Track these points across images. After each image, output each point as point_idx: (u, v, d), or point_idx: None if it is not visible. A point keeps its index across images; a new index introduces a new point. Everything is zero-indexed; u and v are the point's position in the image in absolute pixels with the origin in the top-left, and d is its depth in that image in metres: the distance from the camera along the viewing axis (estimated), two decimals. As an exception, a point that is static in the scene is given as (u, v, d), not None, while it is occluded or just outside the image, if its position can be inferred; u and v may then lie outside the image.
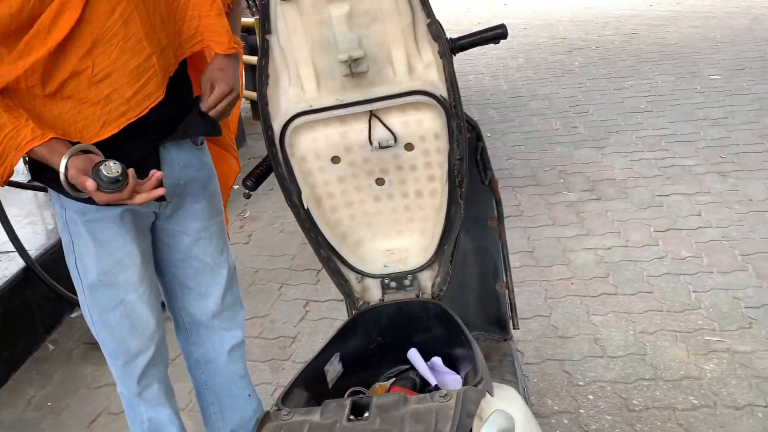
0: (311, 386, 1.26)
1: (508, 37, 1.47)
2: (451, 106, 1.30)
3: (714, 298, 2.43)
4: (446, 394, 1.00)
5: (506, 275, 1.82)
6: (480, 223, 1.76)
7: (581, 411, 1.98)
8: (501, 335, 1.87)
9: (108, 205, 1.26)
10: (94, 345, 2.60)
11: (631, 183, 3.48)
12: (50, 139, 1.22)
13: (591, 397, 2.04)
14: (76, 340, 2.65)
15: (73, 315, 2.80)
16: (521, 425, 0.98)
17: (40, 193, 3.39)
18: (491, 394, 1.10)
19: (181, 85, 1.42)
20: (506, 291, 1.84)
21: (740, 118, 4.16)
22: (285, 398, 1.14)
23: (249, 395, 1.78)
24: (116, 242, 1.43)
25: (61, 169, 1.21)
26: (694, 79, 5.10)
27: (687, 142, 3.90)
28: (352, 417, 1.00)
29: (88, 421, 2.18)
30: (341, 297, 2.78)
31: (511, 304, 1.85)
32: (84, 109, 1.27)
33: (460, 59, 5.45)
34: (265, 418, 1.02)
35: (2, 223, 2.54)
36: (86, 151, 1.25)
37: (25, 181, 3.39)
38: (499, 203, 1.76)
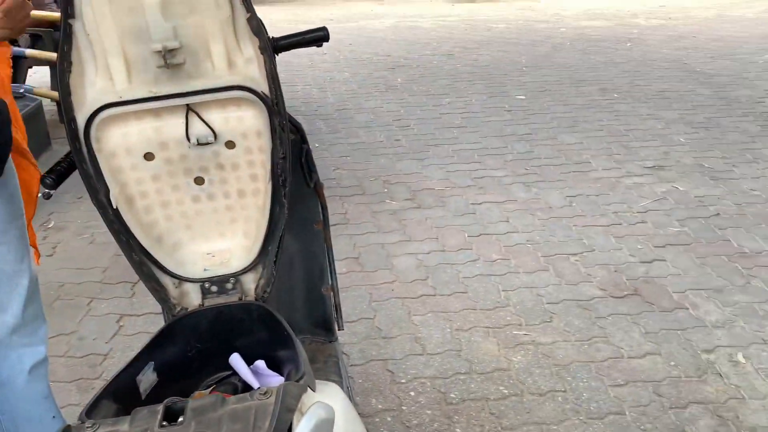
0: (121, 398, 1.16)
1: (329, 43, 1.50)
2: (273, 103, 1.29)
3: (520, 296, 2.64)
4: (266, 392, 0.97)
5: (332, 278, 1.84)
6: (306, 226, 1.76)
7: (403, 408, 2.05)
8: (326, 337, 1.88)
9: None
10: None
11: (447, 192, 3.69)
12: None
13: (412, 393, 2.11)
14: None
15: None
16: (342, 418, 0.99)
17: None
18: (313, 390, 1.10)
19: None
20: (332, 293, 1.86)
21: (542, 135, 4.59)
22: (90, 411, 1.05)
23: (53, 417, 1.62)
24: None
25: None
26: (503, 98, 5.55)
27: (497, 155, 4.23)
28: (165, 423, 0.94)
29: None
30: (160, 309, 2.64)
31: (336, 306, 1.87)
32: None
33: (288, 69, 5.48)
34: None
35: None
36: None
37: None
38: (324, 207, 1.77)
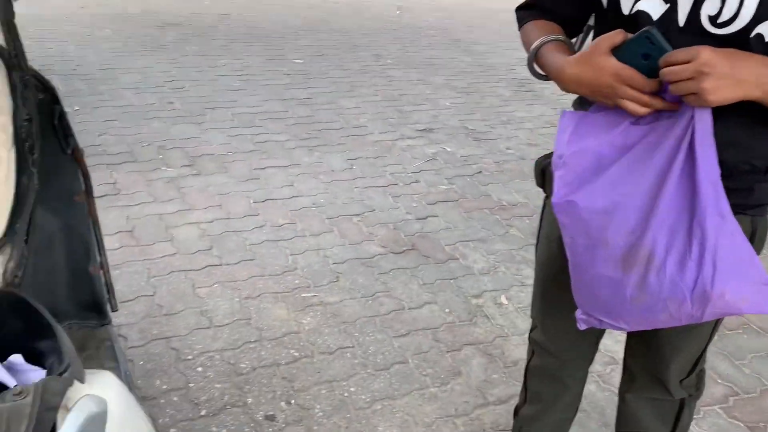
0: None
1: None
2: (11, 55, 1.11)
3: (308, 259, 2.66)
4: (21, 391, 0.84)
5: (100, 255, 1.67)
6: (65, 199, 1.57)
7: (191, 385, 1.95)
8: (98, 320, 1.72)
9: None
10: None
11: (229, 158, 3.56)
12: None
13: (200, 369, 2.02)
14: None
15: None
16: (118, 408, 0.90)
17: None
18: (81, 382, 0.98)
19: None
20: (101, 272, 1.69)
21: (321, 99, 4.62)
22: None
23: None
24: None
25: None
26: (281, 61, 5.48)
27: (278, 119, 4.17)
28: None
29: None
30: None
31: (107, 285, 1.70)
32: None
33: (38, 23, 4.83)
34: None
35: None
36: None
37: None
38: (87, 176, 1.59)
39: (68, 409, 0.87)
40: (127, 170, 3.30)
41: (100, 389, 0.91)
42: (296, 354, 2.12)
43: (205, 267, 2.55)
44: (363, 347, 2.17)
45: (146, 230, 2.78)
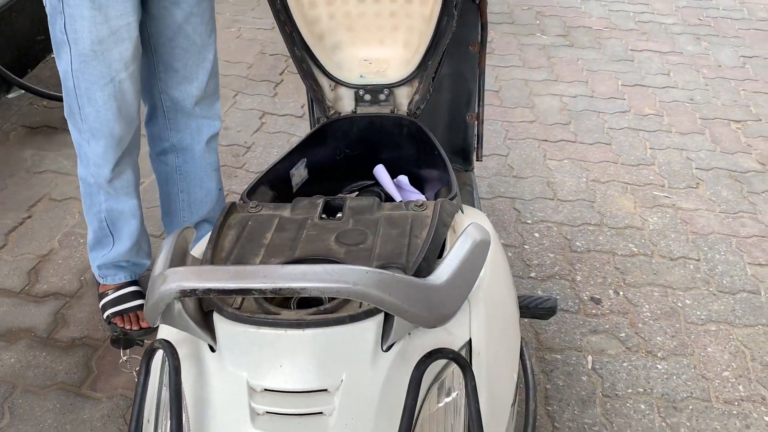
0: (275, 187, 1.21)
1: None
2: None
3: (668, 156, 2.47)
4: (422, 204, 0.97)
5: (479, 106, 1.76)
6: (461, 46, 1.66)
7: (526, 246, 2.05)
8: (463, 165, 1.86)
9: None
10: (33, 129, 2.47)
11: (605, 33, 3.38)
12: None
13: (537, 234, 2.10)
14: (14, 122, 2.49)
15: (10, 95, 2.60)
16: (491, 245, 0.98)
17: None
18: (462, 212, 1.09)
19: None
20: (476, 122, 1.80)
21: (725, -18, 4.02)
22: (250, 193, 1.10)
23: (220, 189, 1.75)
24: (116, 8, 1.30)
25: None
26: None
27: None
28: (324, 216, 0.97)
29: (28, 205, 2.11)
30: (300, 113, 2.70)
31: (478, 135, 1.81)
32: None
33: None
34: (231, 209, 0.98)
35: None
36: None
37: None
38: (484, 27, 1.65)
39: (455, 231, 0.98)
40: (503, 31, 3.37)
41: (478, 220, 1.00)
42: (634, 249, 2.05)
43: (560, 141, 2.55)
44: (710, 264, 2.00)
45: (511, 93, 2.86)
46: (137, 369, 1.57)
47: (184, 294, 0.64)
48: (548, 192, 2.28)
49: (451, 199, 1.04)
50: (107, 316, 1.68)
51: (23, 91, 2.57)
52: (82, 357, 1.63)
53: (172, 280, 0.64)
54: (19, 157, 2.32)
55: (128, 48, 1.36)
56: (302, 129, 2.55)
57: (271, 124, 2.59)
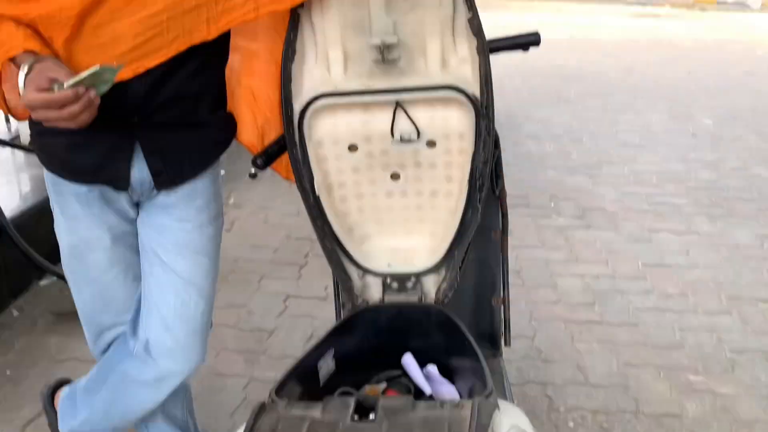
0: (303, 381, 1.19)
1: (534, 47, 1.42)
2: (483, 106, 1.26)
3: (698, 338, 2.41)
4: (459, 404, 0.94)
5: (504, 290, 1.77)
6: (484, 233, 1.71)
7: (561, 437, 1.94)
8: (491, 350, 1.82)
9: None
10: (61, 316, 2.50)
11: (621, 215, 3.47)
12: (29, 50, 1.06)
13: (571, 424, 1.99)
14: (43, 308, 2.53)
15: (42, 282, 2.68)
16: (531, 445, 0.93)
17: (20, 154, 3.26)
18: (498, 409, 1.05)
19: (206, 73, 1.25)
20: (502, 306, 1.80)
21: (731, 164, 4.20)
22: (279, 390, 1.07)
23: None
24: (83, 221, 1.32)
25: (26, 65, 1.02)
26: (687, 121, 5.15)
27: (678, 181, 3.92)
28: (356, 417, 0.93)
29: (48, 395, 2.06)
30: (323, 295, 2.72)
31: (505, 320, 1.80)
32: (75, 55, 1.12)
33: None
34: (261, 409, 0.95)
35: (-21, 179, 2.42)
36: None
37: (7, 140, 3.27)
38: (505, 216, 1.72)
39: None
40: (519, 213, 3.48)
41: (517, 421, 0.96)
42: (677, 439, 1.93)
43: (586, 322, 2.52)
44: (760, 456, 1.87)
45: (532, 273, 2.88)
46: None
47: None
48: (579, 376, 2.21)
49: (487, 396, 1.00)
50: None
51: (55, 278, 2.64)
52: None
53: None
54: (44, 344, 2.33)
55: (102, 257, 1.33)
56: (326, 311, 2.56)
57: (295, 307, 2.60)
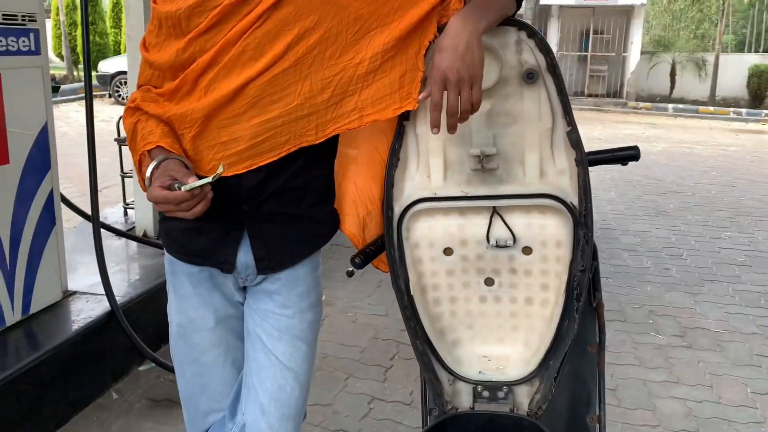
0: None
1: (633, 161, 1.43)
2: (581, 215, 1.27)
3: (821, 479, 2.17)
4: None
5: (599, 408, 1.69)
6: (579, 346, 1.66)
7: None
8: (591, 474, 1.72)
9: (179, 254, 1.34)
10: (156, 402, 2.59)
11: (726, 336, 3.26)
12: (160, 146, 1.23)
13: None
14: (140, 394, 2.63)
15: (141, 368, 2.80)
16: None
17: (133, 244, 3.51)
18: None
19: (312, 168, 1.34)
20: (597, 425, 1.70)
21: None
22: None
23: None
24: (191, 301, 1.42)
25: (153, 163, 1.19)
26: (798, 240, 4.87)
27: (790, 303, 3.67)
28: None
29: (135, 481, 2.11)
30: (408, 401, 2.68)
31: (603, 439, 1.70)
32: (200, 150, 1.26)
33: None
34: None
35: (99, 266, 2.62)
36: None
37: (123, 230, 3.54)
38: (602, 329, 1.66)
39: None
40: (615, 328, 3.34)
41: None
42: None
43: (689, 450, 2.33)
44: None
45: (629, 393, 2.72)
46: None
47: None
48: None
49: None
50: None
51: (153, 365, 2.75)
52: None
53: None
54: (138, 429, 2.40)
55: (206, 336, 1.41)
56: (409, 418, 2.51)
57: (379, 410, 2.57)
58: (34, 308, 2.57)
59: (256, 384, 1.40)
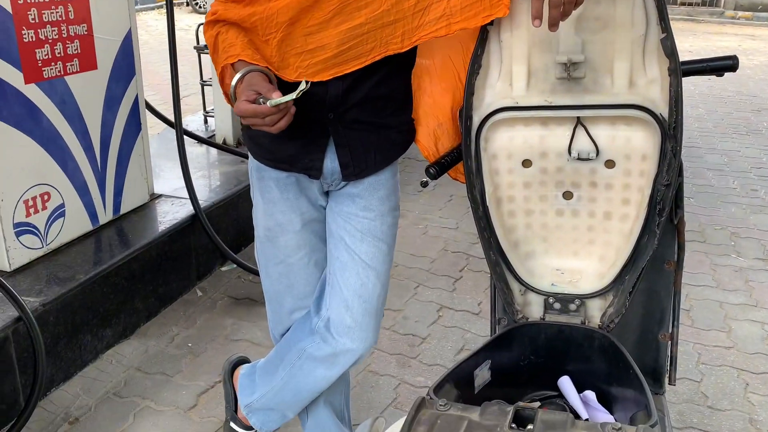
0: (459, 385, 1.22)
1: (730, 72, 1.34)
2: (670, 127, 1.21)
3: None
4: (621, 428, 0.91)
5: (673, 326, 1.67)
6: (656, 263, 1.63)
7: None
8: (653, 388, 1.72)
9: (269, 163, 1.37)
10: (237, 300, 2.74)
11: (813, 261, 3.12)
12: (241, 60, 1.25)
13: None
14: (222, 292, 2.79)
15: (223, 268, 2.95)
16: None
17: (213, 151, 3.62)
18: (666, 442, 1.01)
19: (393, 78, 1.36)
20: (669, 342, 1.70)
21: None
22: (437, 390, 1.11)
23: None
24: (279, 205, 1.48)
25: (237, 76, 1.22)
26: None
27: None
28: (513, 425, 0.94)
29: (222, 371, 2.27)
30: (477, 311, 2.73)
31: (671, 356, 1.70)
32: (286, 57, 1.27)
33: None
34: (421, 404, 1.00)
35: (183, 172, 2.73)
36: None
37: (205, 138, 3.64)
38: (681, 247, 1.62)
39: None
40: (693, 249, 3.25)
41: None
42: None
43: (763, 373, 2.30)
44: None
45: (703, 314, 2.68)
46: None
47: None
48: (751, 430, 2.02)
49: (652, 426, 0.97)
50: None
51: (234, 266, 2.90)
52: None
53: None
54: (221, 324, 2.57)
55: (292, 238, 1.49)
56: (477, 326, 2.57)
57: (448, 318, 2.63)
58: (124, 209, 2.72)
59: (340, 282, 1.47)
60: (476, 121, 1.31)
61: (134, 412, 2.09)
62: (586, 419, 1.29)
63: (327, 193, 1.50)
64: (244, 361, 1.82)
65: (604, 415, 1.31)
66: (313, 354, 1.51)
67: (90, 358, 2.31)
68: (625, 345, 1.74)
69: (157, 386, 2.21)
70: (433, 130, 1.46)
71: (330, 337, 1.48)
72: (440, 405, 1.00)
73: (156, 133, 3.84)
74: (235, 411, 1.74)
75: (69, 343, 2.22)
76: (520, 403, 1.26)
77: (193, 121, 4.23)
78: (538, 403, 1.33)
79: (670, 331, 1.68)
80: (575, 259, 1.42)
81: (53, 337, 2.15)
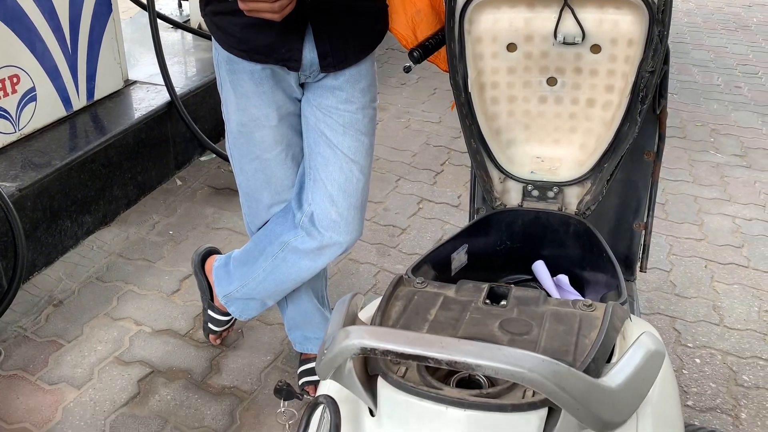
0: (437, 267, 1.24)
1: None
2: (659, 11, 1.18)
3: None
4: (591, 304, 0.95)
5: (648, 215, 1.71)
6: (635, 154, 1.64)
7: (684, 371, 1.90)
8: (625, 275, 1.78)
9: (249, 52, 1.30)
10: (217, 189, 2.73)
11: (789, 158, 3.17)
12: None
13: (698, 360, 1.94)
14: (202, 182, 2.78)
15: (202, 158, 2.92)
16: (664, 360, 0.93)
17: (188, 37, 3.49)
18: (630, 320, 1.05)
19: None
20: (643, 231, 1.74)
21: None
22: (415, 270, 1.13)
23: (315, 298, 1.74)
24: (253, 99, 1.42)
25: None
26: None
27: None
28: (488, 301, 0.97)
29: (202, 257, 2.31)
30: (456, 203, 2.76)
31: (644, 245, 1.75)
32: None
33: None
34: (399, 282, 1.02)
35: (158, 57, 2.63)
36: None
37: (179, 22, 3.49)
38: (662, 138, 1.63)
39: (624, 338, 0.95)
40: (673, 144, 3.27)
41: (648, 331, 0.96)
42: (813, 395, 1.82)
43: (730, 264, 2.38)
44: None
45: (677, 207, 2.74)
46: (290, 422, 1.62)
47: (364, 352, 0.67)
48: (714, 317, 2.12)
49: (622, 303, 1.00)
50: (302, 383, 1.75)
51: (214, 156, 2.87)
52: (228, 406, 1.71)
53: (355, 337, 0.67)
54: (201, 213, 2.57)
55: (268, 134, 1.45)
56: (456, 218, 2.60)
57: (428, 210, 2.66)
58: (98, 95, 2.65)
59: (323, 177, 1.45)
60: (460, 1, 1.27)
61: (117, 296, 2.13)
62: (582, 299, 1.34)
63: (302, 86, 1.45)
64: (212, 251, 1.82)
65: (575, 297, 1.36)
66: (298, 247, 1.51)
67: (71, 244, 2.32)
68: (601, 233, 1.79)
69: (140, 272, 2.24)
70: (411, 16, 1.41)
71: (315, 231, 1.48)
72: (417, 283, 1.02)
73: (128, 17, 3.67)
74: (212, 299, 1.77)
75: (49, 229, 2.22)
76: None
77: (166, 5, 4.04)
78: (511, 287, 1.38)
79: (645, 220, 1.72)
80: (556, 147, 1.42)
81: (32, 222, 2.15)
